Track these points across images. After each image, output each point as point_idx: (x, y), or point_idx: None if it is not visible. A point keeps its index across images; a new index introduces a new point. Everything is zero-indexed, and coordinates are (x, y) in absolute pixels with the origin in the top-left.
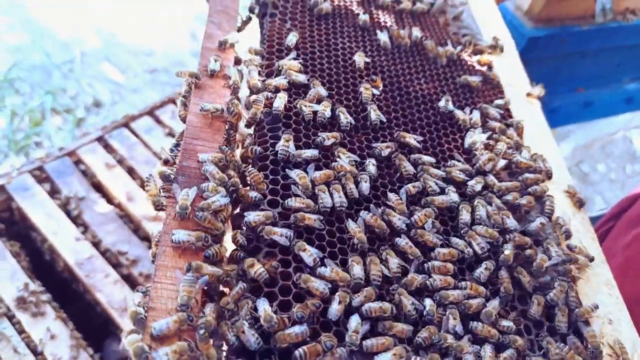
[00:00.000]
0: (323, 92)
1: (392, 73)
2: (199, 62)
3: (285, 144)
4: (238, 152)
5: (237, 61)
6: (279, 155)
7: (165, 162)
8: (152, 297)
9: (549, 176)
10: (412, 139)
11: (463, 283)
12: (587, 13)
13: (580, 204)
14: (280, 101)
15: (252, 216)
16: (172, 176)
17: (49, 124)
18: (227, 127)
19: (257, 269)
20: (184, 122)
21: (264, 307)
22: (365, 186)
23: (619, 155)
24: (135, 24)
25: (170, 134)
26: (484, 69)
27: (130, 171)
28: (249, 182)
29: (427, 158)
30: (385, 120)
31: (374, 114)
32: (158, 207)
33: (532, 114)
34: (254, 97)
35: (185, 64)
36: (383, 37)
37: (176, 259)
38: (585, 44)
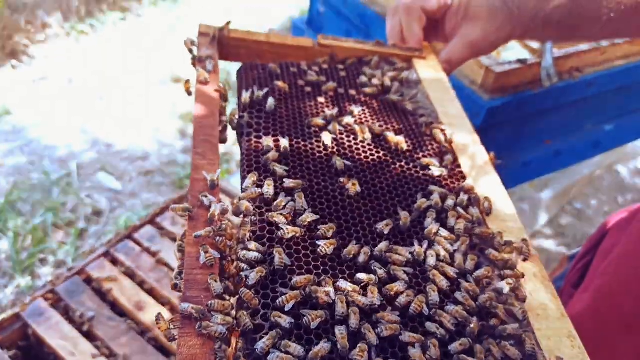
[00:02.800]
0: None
1: (359, 170)
2: (188, 194)
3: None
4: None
5: (225, 211)
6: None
7: (174, 288)
8: None
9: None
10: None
11: None
12: (535, 78)
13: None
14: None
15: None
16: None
17: (51, 240)
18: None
19: None
20: (182, 253)
21: None
22: None
23: (607, 187)
24: (127, 131)
25: (173, 239)
26: (442, 146)
27: (138, 280)
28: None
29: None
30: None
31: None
32: (170, 339)
33: (491, 184)
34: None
35: (178, 162)
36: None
37: None
38: (541, 104)
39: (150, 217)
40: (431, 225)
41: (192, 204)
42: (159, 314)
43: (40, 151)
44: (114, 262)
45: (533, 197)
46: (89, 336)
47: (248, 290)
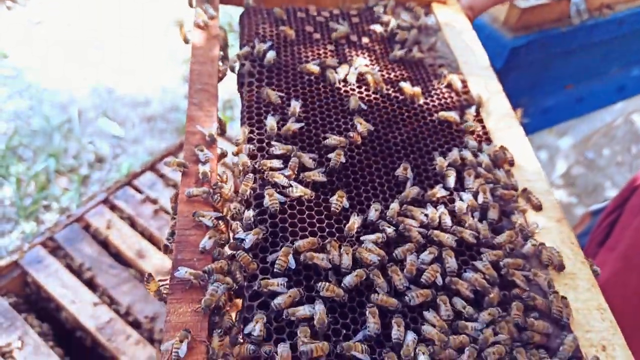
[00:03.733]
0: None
1: (370, 122)
2: (184, 149)
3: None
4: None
5: (223, 155)
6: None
7: (165, 250)
8: None
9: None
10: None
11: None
12: (563, 15)
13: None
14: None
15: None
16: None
17: (54, 186)
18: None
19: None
20: (175, 213)
21: None
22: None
23: (622, 137)
24: (129, 76)
25: (174, 186)
26: (461, 98)
27: (139, 229)
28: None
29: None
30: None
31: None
32: (161, 298)
33: (515, 138)
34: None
35: (181, 108)
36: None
37: None
38: (567, 44)
39: (150, 163)
40: (450, 184)
41: (187, 158)
42: (149, 274)
43: (40, 96)
44: (114, 209)
45: (551, 145)
46: (90, 284)
47: (245, 254)
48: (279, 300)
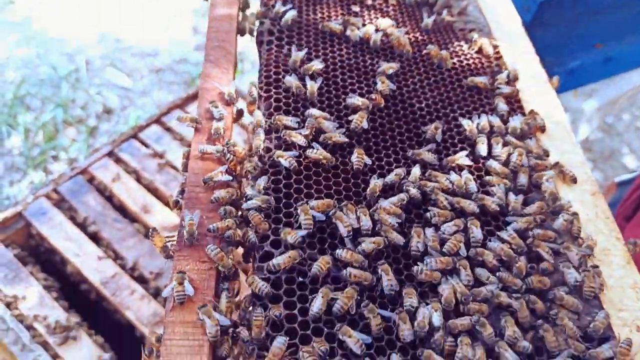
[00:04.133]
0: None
1: (394, 84)
2: (198, 105)
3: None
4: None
5: (240, 113)
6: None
7: (175, 205)
8: (163, 355)
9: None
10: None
11: None
12: None
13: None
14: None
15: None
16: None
17: (62, 136)
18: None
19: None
20: (185, 170)
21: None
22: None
23: None
24: (137, 26)
25: (180, 139)
26: (492, 64)
27: (144, 182)
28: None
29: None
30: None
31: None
32: (168, 255)
33: (549, 107)
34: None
35: (190, 60)
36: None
37: (184, 314)
38: (598, 1)
39: (156, 116)
40: (481, 152)
41: (201, 115)
42: (153, 228)
43: (47, 44)
44: (119, 162)
45: (574, 108)
46: (94, 238)
47: (257, 213)
48: (277, 261)
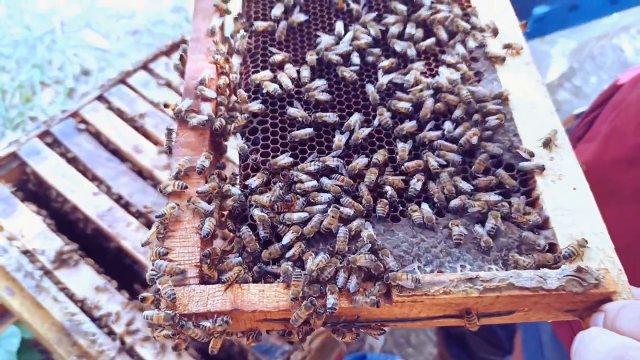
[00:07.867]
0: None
1: None
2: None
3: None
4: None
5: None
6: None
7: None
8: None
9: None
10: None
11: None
12: None
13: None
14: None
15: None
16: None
17: (40, 97)
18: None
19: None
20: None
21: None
22: None
23: (611, 66)
24: None
25: (167, 85)
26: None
27: (135, 125)
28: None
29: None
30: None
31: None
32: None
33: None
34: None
35: (167, 22)
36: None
37: None
38: None
39: (143, 62)
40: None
41: (197, 29)
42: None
43: (19, 4)
44: (109, 105)
45: (541, 51)
46: (89, 177)
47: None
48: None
